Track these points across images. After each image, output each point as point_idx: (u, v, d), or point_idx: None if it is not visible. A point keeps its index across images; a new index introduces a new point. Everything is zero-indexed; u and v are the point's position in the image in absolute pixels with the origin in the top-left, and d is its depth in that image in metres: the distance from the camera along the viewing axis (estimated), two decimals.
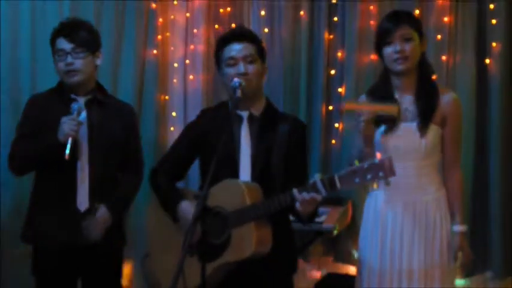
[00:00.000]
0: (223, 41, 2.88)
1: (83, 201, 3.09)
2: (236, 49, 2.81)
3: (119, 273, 3.32)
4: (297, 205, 2.55)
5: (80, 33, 3.12)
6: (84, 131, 3.09)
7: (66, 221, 3.07)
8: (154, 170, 3.03)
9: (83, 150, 3.10)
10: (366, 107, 2.98)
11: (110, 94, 3.38)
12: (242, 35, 2.87)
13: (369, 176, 2.41)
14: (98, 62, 3.23)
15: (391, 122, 2.95)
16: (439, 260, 2.95)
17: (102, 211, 3.11)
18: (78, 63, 3.09)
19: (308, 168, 2.95)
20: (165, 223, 2.91)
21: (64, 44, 3.10)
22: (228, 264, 2.70)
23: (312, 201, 2.53)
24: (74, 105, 3.03)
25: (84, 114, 3.09)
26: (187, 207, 2.79)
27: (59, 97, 3.17)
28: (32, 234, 3.15)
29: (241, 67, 2.77)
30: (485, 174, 4.27)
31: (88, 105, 3.16)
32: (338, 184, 2.49)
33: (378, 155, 2.42)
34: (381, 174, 2.40)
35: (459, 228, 2.95)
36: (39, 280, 3.18)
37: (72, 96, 3.13)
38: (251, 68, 2.79)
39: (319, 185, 2.51)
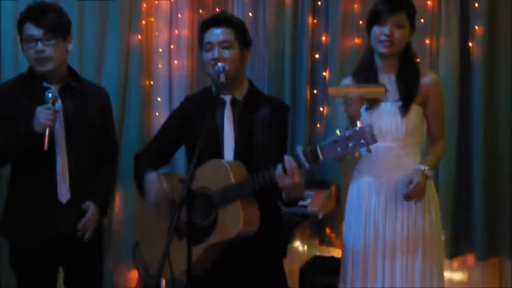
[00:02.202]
0: (204, 25, 2.88)
1: (64, 192, 2.97)
2: (214, 34, 2.80)
3: (100, 260, 3.24)
4: (277, 178, 2.51)
5: (49, 18, 2.92)
6: (59, 120, 2.93)
7: (47, 214, 2.96)
8: (138, 155, 3.02)
9: (60, 140, 2.95)
10: (353, 91, 3.00)
11: (82, 78, 3.18)
12: (221, 20, 2.85)
13: (350, 144, 2.40)
14: (70, 47, 3.04)
15: (374, 101, 2.99)
16: (421, 233, 2.98)
17: (92, 210, 3.03)
18: (50, 50, 2.91)
19: (287, 149, 2.93)
20: (153, 211, 2.90)
21: (33, 29, 2.90)
22: (216, 244, 2.69)
23: (294, 173, 2.50)
24: (48, 94, 2.85)
25: (58, 103, 2.93)
26: (152, 178, 2.82)
27: (31, 86, 2.99)
28: (11, 227, 3.03)
29: (216, 52, 2.77)
30: (467, 156, 4.26)
31: (61, 93, 2.98)
32: (320, 155, 2.46)
33: (359, 123, 2.40)
34: (362, 141, 2.38)
35: (422, 166, 2.93)
36: (18, 271, 3.06)
37: (45, 84, 2.97)
38: (226, 53, 2.78)
39: (302, 158, 2.49)
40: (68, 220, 2.99)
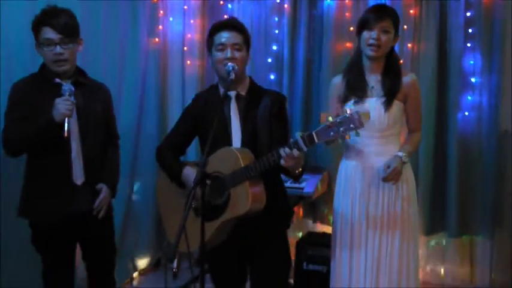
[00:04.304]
0: (216, 28, 2.91)
1: (78, 175, 3.00)
2: (226, 36, 2.84)
3: (112, 234, 3.28)
4: (282, 162, 2.60)
5: (65, 22, 2.92)
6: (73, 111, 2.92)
7: (64, 195, 2.98)
8: (160, 147, 3.10)
9: (74, 129, 2.96)
10: None
11: (88, 76, 3.19)
12: (232, 25, 2.92)
13: (342, 129, 2.44)
14: (81, 48, 3.06)
15: (361, 96, 3.09)
16: (400, 211, 3.09)
17: (105, 191, 3.10)
18: (67, 53, 2.94)
19: (289, 133, 3.00)
20: (172, 192, 2.98)
21: (51, 34, 2.90)
22: (228, 221, 2.75)
23: (295, 156, 2.59)
24: (65, 87, 2.86)
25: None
26: (189, 172, 2.89)
27: (44, 82, 2.99)
28: (31, 209, 3.02)
29: (229, 52, 2.83)
30: (444, 147, 4.40)
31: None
32: (316, 138, 2.52)
33: (348, 110, 2.46)
34: (351, 126, 2.43)
35: (400, 153, 3.03)
36: (40, 249, 3.08)
37: (57, 80, 2.97)
38: (237, 54, 2.85)
39: (300, 142, 2.55)
40: (83, 200, 3.04)
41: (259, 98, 2.92)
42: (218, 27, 2.93)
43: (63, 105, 2.81)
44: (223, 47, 2.87)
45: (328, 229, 4.37)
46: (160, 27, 4.73)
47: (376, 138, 3.10)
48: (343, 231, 3.19)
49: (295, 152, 2.57)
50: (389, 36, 3.05)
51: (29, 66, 3.22)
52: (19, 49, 3.46)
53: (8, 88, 3.04)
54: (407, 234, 3.11)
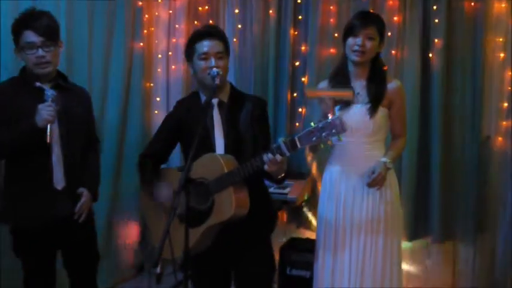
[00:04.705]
0: (198, 37, 2.88)
1: (59, 180, 2.94)
2: (208, 45, 2.82)
3: (94, 240, 3.23)
4: (266, 167, 2.59)
5: (46, 25, 2.87)
6: None
7: (45, 200, 2.93)
8: (141, 156, 3.06)
9: (54, 133, 2.90)
10: (326, 93, 3.09)
11: (69, 79, 3.14)
12: (215, 33, 2.89)
13: (324, 134, 2.43)
14: (61, 50, 3.01)
15: (346, 102, 3.08)
16: (383, 215, 3.09)
17: (86, 195, 3.04)
18: (49, 55, 2.89)
19: (270, 137, 2.98)
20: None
21: (33, 37, 2.85)
22: (212, 226, 2.75)
23: (278, 161, 2.57)
24: (48, 92, 2.82)
25: None
26: (161, 187, 2.87)
27: (25, 86, 2.93)
28: (12, 214, 2.97)
29: (213, 61, 2.80)
30: (427, 153, 4.38)
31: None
32: (298, 144, 2.51)
33: (330, 115, 2.45)
34: (334, 131, 2.42)
35: (384, 159, 3.04)
36: (21, 255, 3.03)
37: (38, 84, 2.91)
38: (221, 63, 2.83)
39: (283, 147, 2.55)
40: (64, 205, 2.98)
41: (241, 104, 2.91)
42: (199, 35, 2.89)
43: (46, 111, 2.77)
44: (206, 56, 2.84)
45: (311, 235, 4.34)
46: (145, 31, 4.68)
47: (361, 144, 3.10)
48: (327, 235, 3.18)
49: (278, 157, 2.56)
50: (374, 43, 3.04)
51: (11, 68, 3.16)
52: (2, 51, 3.39)
53: None
54: (391, 237, 3.11)
